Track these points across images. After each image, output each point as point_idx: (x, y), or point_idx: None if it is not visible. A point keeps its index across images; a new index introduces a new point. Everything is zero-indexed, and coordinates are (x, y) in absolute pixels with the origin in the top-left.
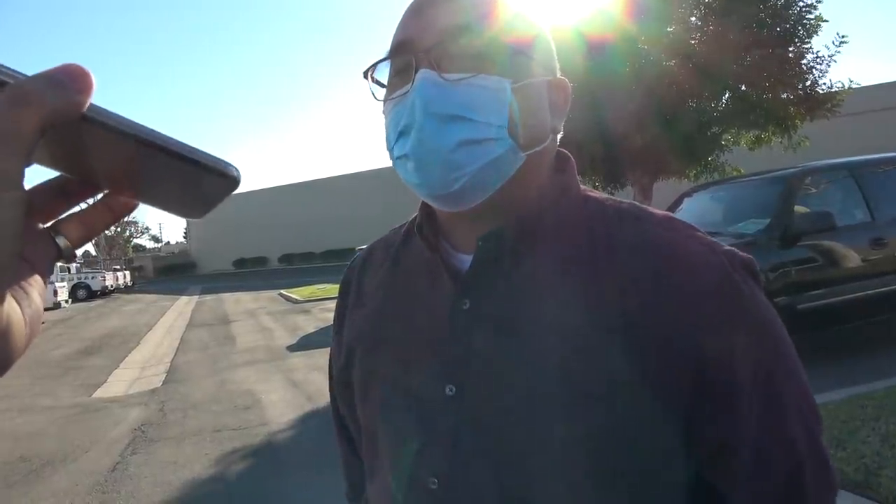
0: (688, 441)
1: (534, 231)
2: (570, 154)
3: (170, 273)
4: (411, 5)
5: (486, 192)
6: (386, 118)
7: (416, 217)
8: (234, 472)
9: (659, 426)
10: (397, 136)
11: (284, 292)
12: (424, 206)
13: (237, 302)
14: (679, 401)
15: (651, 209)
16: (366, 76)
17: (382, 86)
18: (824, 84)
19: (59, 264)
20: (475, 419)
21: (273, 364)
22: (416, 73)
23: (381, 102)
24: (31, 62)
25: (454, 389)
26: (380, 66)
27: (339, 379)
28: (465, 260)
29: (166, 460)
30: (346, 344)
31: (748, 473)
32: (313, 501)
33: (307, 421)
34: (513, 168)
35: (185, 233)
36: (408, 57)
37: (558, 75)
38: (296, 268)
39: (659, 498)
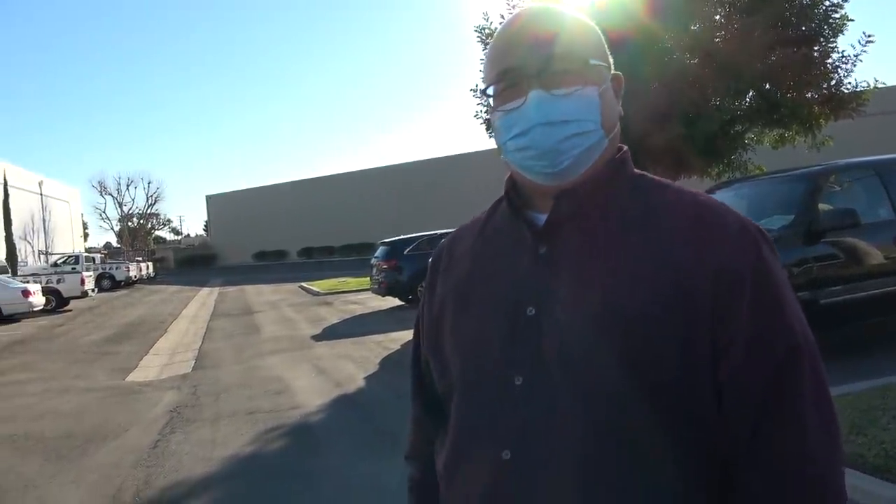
0: (712, 349)
1: (598, 194)
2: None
3: (191, 265)
4: (509, 36)
5: (582, 169)
6: (497, 122)
7: (499, 199)
8: (270, 451)
9: (691, 337)
10: (514, 135)
11: (305, 284)
12: (510, 180)
13: (259, 293)
14: (703, 312)
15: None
16: (483, 94)
17: (487, 96)
18: (849, 84)
19: (85, 254)
20: (549, 329)
21: (299, 353)
22: (529, 92)
23: (489, 110)
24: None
25: (533, 311)
26: (490, 86)
27: (431, 326)
28: (543, 218)
29: (204, 439)
30: (440, 298)
31: (746, 351)
32: (350, 477)
33: (338, 404)
34: (600, 150)
35: (205, 225)
36: (515, 79)
37: (613, 69)
38: (315, 261)
39: (690, 399)
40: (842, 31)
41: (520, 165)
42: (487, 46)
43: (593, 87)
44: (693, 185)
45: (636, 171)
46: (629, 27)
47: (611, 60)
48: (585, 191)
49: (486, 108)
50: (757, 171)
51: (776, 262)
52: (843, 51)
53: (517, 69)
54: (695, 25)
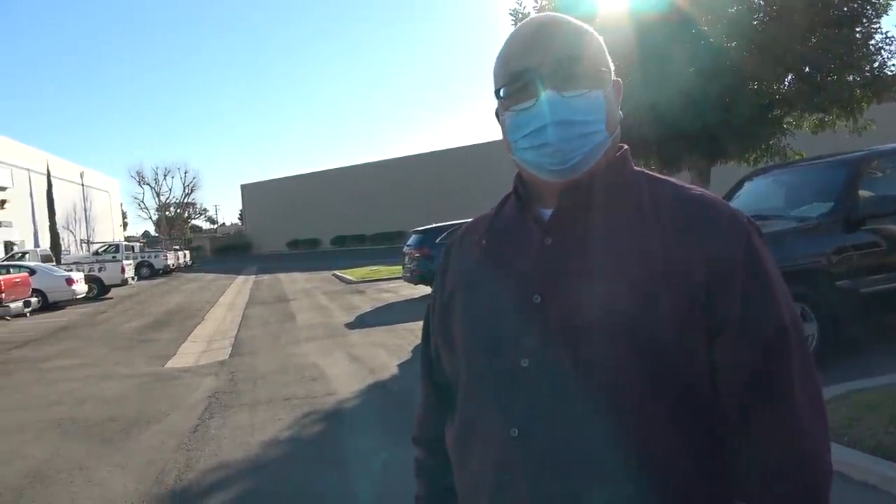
0: (707, 330)
1: (600, 189)
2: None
3: (226, 253)
4: (521, 40)
5: (588, 166)
6: (508, 121)
7: (507, 194)
8: (307, 435)
9: (687, 319)
10: (525, 134)
11: (338, 273)
12: (518, 177)
13: (293, 282)
14: (698, 296)
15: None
16: (497, 95)
17: (499, 97)
18: (893, 65)
19: (125, 243)
20: (554, 315)
21: (333, 340)
22: (540, 93)
23: (501, 109)
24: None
25: (539, 298)
26: (503, 87)
27: (442, 311)
28: (549, 213)
29: (243, 424)
30: (451, 286)
31: (737, 331)
32: (384, 462)
33: (372, 391)
34: (604, 148)
35: (240, 214)
36: (528, 81)
37: (614, 76)
38: (348, 249)
39: (687, 378)
40: (886, 12)
41: (529, 163)
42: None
43: (599, 91)
44: (729, 171)
45: (635, 167)
46: (663, 12)
47: (612, 67)
48: (589, 186)
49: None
50: (797, 157)
51: (766, 249)
52: (887, 32)
53: (530, 71)
54: (732, 8)
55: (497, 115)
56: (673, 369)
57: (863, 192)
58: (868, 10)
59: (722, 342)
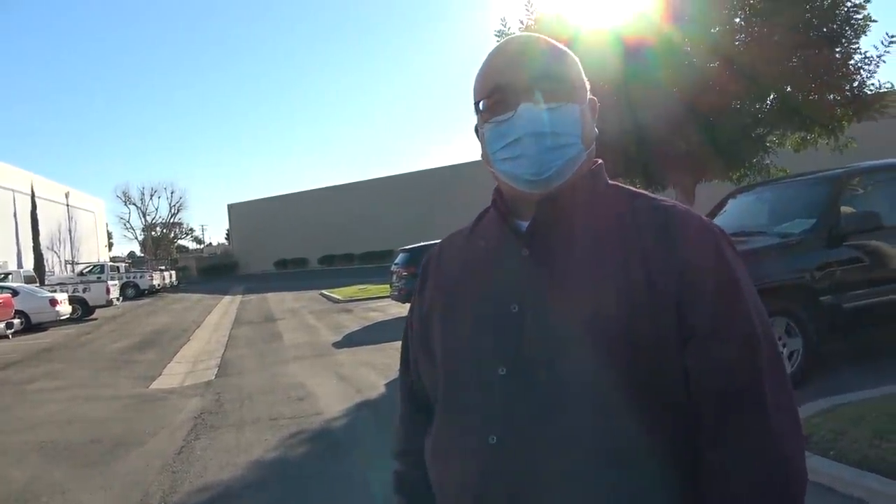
0: (679, 338)
1: (575, 202)
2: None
3: (213, 273)
4: (501, 56)
5: (564, 178)
6: (487, 133)
7: (485, 209)
8: (294, 456)
9: (660, 328)
10: (504, 145)
11: (326, 292)
12: (496, 190)
13: (280, 301)
14: (670, 304)
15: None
16: (476, 108)
17: (479, 110)
18: (872, 85)
19: (110, 264)
20: (531, 324)
21: (321, 360)
22: (518, 105)
23: (480, 121)
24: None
25: (517, 307)
26: (483, 100)
27: (421, 324)
28: (526, 225)
29: (229, 445)
30: (429, 297)
31: (709, 338)
32: (372, 482)
33: (360, 410)
34: (579, 162)
35: (227, 234)
36: (507, 94)
37: (590, 94)
38: (336, 269)
39: (661, 385)
40: (864, 33)
41: (507, 174)
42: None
43: (575, 105)
44: (714, 189)
45: (610, 181)
46: (647, 34)
47: (588, 85)
48: (565, 198)
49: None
50: (780, 174)
51: (737, 259)
52: (866, 52)
53: (509, 85)
54: (714, 29)
55: (476, 129)
56: (648, 377)
57: (845, 209)
58: (847, 31)
59: (693, 349)
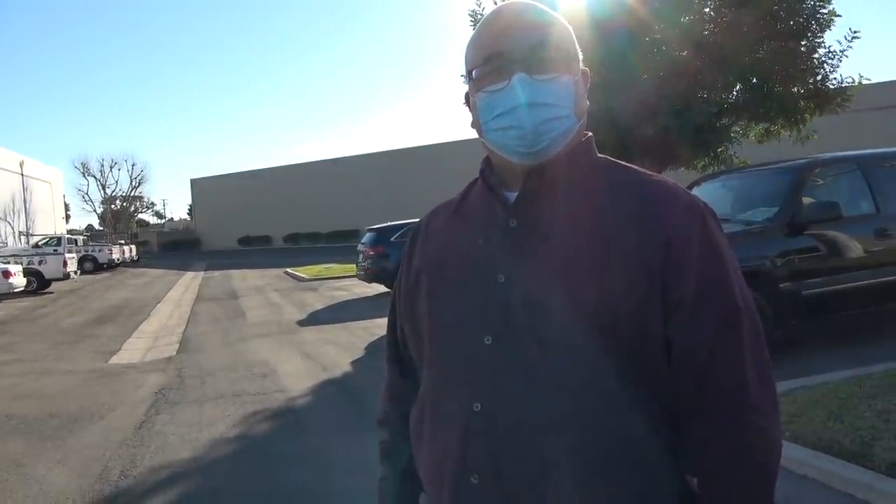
0: (663, 309)
1: (564, 173)
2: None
3: (174, 249)
4: (496, 23)
5: (556, 150)
6: (479, 102)
7: (473, 179)
8: (256, 432)
9: (644, 298)
10: (496, 115)
11: (290, 270)
12: (486, 160)
13: (244, 278)
14: (655, 275)
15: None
16: (469, 76)
17: (472, 78)
18: (835, 79)
19: (67, 236)
20: (517, 294)
21: (285, 337)
22: (513, 75)
23: (471, 91)
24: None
25: (503, 278)
26: (477, 68)
27: (407, 294)
28: (514, 196)
29: (190, 420)
30: (416, 268)
31: (692, 309)
32: (336, 460)
33: (324, 388)
34: (572, 134)
35: (189, 209)
36: (502, 63)
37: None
38: (301, 247)
39: (644, 354)
40: (829, 27)
41: (499, 144)
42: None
43: (569, 77)
44: (679, 176)
45: (599, 155)
46: (621, 18)
47: (581, 56)
48: (554, 170)
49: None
50: (741, 164)
51: (720, 233)
52: (830, 46)
53: (504, 54)
54: (685, 18)
55: (467, 97)
56: (630, 346)
57: (806, 199)
58: (813, 24)
59: (676, 319)
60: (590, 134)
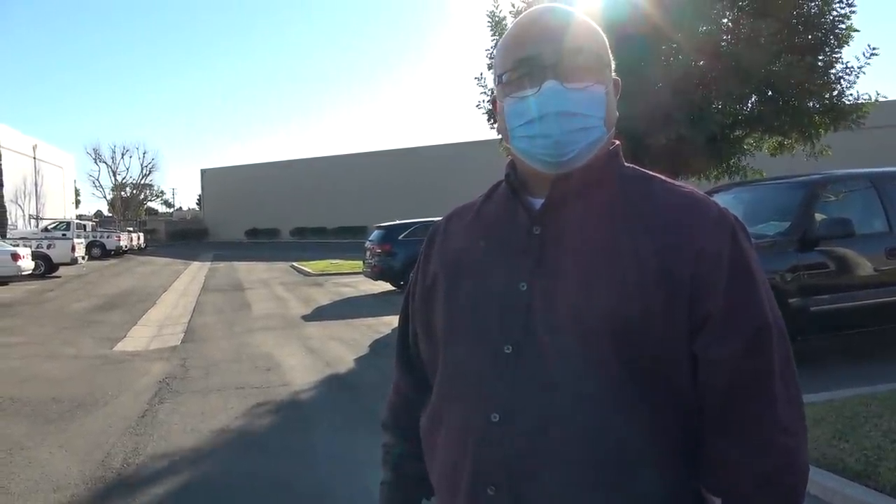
0: (690, 324)
1: (591, 182)
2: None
3: (182, 238)
4: (528, 27)
5: (584, 160)
6: (508, 108)
7: (497, 182)
8: (259, 425)
9: (670, 312)
10: (524, 122)
11: (297, 264)
12: (510, 165)
13: (250, 271)
14: (683, 289)
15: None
16: (499, 80)
17: (501, 82)
18: (851, 95)
19: (76, 221)
20: (540, 302)
21: (290, 331)
22: (544, 82)
23: (500, 96)
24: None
25: (525, 286)
26: (507, 73)
27: (423, 296)
28: (539, 203)
29: (193, 410)
30: (434, 270)
31: (721, 326)
32: (337, 455)
33: (327, 383)
34: (601, 144)
35: (198, 199)
36: (532, 69)
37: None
38: (308, 242)
39: (668, 370)
40: (847, 42)
41: (525, 152)
42: (500, 34)
43: (601, 86)
44: (691, 186)
45: (626, 163)
46: (638, 25)
47: (613, 64)
48: (581, 178)
49: (489, 97)
50: (756, 176)
51: (751, 248)
52: (847, 62)
53: (535, 59)
54: (704, 27)
55: (494, 101)
56: (654, 362)
57: (818, 215)
58: (831, 39)
59: (704, 336)
60: (617, 143)
